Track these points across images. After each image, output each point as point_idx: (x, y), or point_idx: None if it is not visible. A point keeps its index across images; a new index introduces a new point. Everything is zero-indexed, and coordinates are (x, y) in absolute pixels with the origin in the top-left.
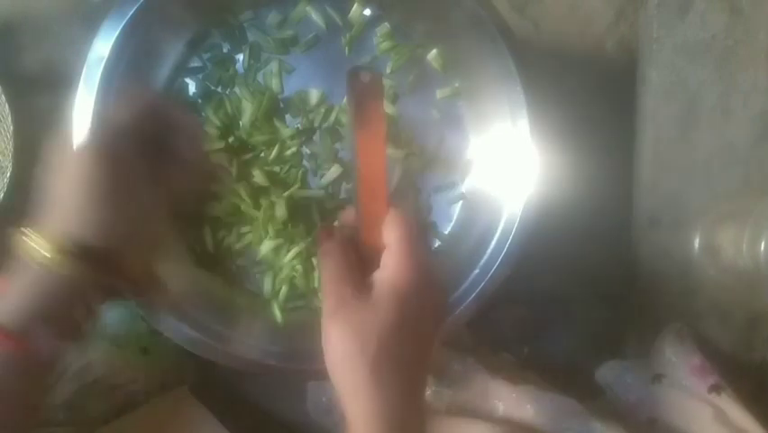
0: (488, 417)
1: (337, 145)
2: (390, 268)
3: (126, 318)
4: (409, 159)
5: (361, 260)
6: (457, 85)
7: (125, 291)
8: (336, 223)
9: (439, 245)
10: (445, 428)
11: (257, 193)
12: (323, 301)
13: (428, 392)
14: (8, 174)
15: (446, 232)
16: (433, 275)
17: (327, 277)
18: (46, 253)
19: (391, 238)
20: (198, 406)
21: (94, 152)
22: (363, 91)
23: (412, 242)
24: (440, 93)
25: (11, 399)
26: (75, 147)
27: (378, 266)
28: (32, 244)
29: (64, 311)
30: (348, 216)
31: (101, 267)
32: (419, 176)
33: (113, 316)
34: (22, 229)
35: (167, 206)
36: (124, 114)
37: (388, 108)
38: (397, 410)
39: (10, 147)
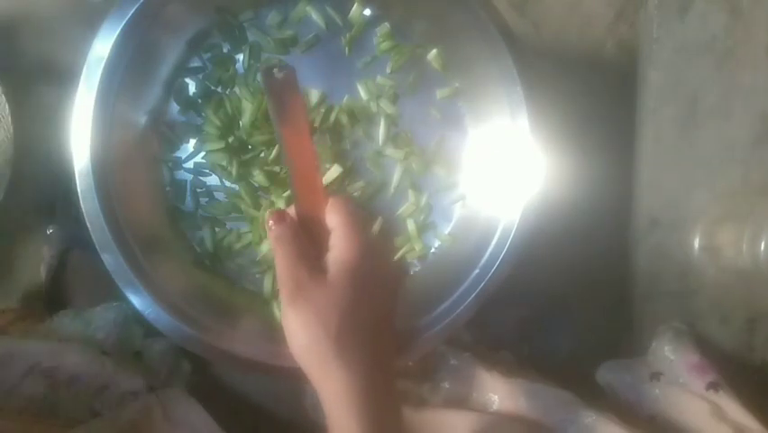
0: (482, 409)
1: (337, 145)
2: (338, 247)
3: (119, 323)
4: (409, 159)
5: (311, 243)
6: (457, 85)
7: None
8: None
9: (439, 245)
10: (438, 419)
11: (257, 193)
12: (279, 288)
13: (426, 386)
14: (8, 175)
15: (446, 232)
16: (378, 249)
17: (282, 263)
18: None
19: (335, 222)
20: (194, 405)
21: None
22: (279, 87)
23: (355, 223)
24: (440, 93)
25: None
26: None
27: (327, 249)
28: None
29: None
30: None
31: None
32: (419, 176)
33: (103, 319)
34: None
35: None
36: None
37: (389, 108)
38: (368, 385)
39: (10, 147)
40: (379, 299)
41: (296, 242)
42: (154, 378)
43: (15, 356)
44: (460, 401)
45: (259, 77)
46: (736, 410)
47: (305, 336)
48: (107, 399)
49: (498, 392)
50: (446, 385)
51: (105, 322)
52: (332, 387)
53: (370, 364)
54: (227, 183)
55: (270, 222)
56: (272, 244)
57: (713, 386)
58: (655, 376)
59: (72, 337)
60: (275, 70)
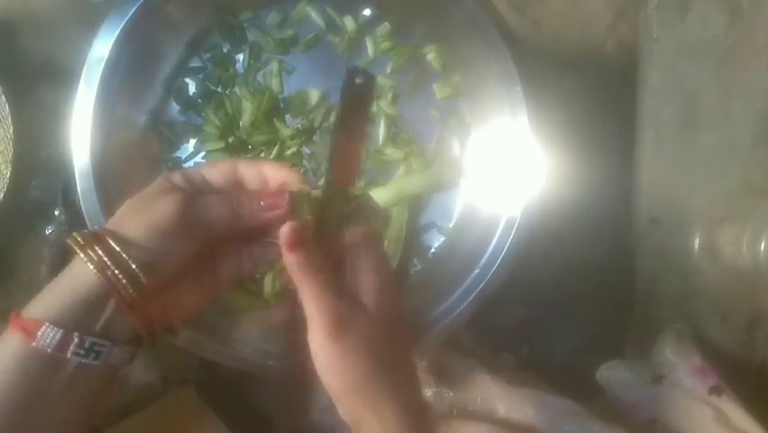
0: (488, 418)
1: None
2: (371, 273)
3: None
4: (409, 159)
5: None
6: (457, 85)
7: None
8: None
9: (439, 245)
10: (444, 429)
11: None
12: (314, 324)
13: (429, 393)
14: (8, 174)
15: (446, 232)
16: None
17: (315, 295)
18: (109, 264)
19: (362, 242)
20: (203, 407)
21: (183, 193)
22: (358, 94)
23: (382, 248)
24: (440, 93)
25: (22, 399)
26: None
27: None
28: (79, 235)
29: (82, 311)
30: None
31: (150, 297)
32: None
33: None
34: (92, 233)
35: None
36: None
37: (389, 108)
38: (417, 414)
39: (10, 147)
40: (406, 330)
41: (324, 269)
42: (168, 370)
43: None
44: (464, 409)
45: (341, 84)
46: (739, 416)
47: (355, 375)
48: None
49: (504, 401)
50: (451, 393)
51: None
52: (381, 427)
53: (415, 400)
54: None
55: (289, 249)
56: (296, 276)
57: (716, 390)
58: (658, 379)
59: None
60: (357, 75)
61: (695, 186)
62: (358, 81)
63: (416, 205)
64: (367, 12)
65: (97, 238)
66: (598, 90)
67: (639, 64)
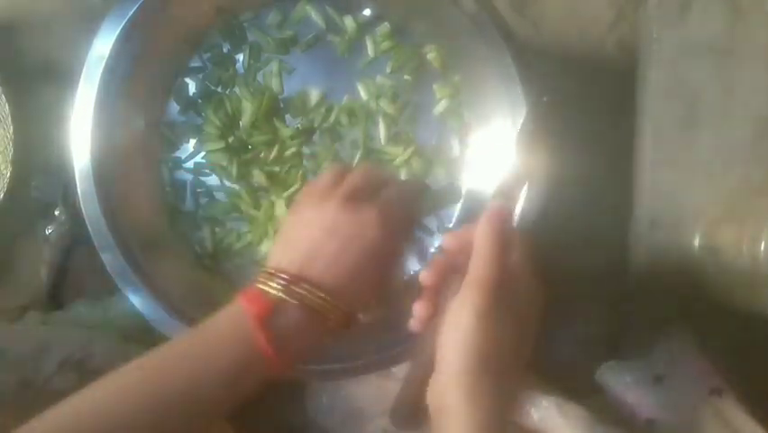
0: None
1: (337, 145)
2: (528, 280)
3: (135, 311)
4: (409, 159)
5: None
6: (457, 85)
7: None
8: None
9: (439, 246)
10: None
11: (257, 193)
12: (477, 290)
13: None
14: (8, 174)
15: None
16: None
17: (490, 260)
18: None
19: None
20: None
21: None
22: (542, 113)
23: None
24: (440, 92)
25: (234, 395)
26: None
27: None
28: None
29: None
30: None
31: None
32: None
33: (121, 307)
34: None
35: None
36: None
37: (389, 108)
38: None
39: (10, 147)
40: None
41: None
42: None
43: (53, 345)
44: None
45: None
46: (739, 417)
47: (494, 364)
48: None
49: None
50: None
51: (123, 309)
52: (480, 419)
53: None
54: (227, 183)
55: (497, 217)
56: (484, 240)
57: (716, 391)
58: (658, 379)
59: (93, 325)
60: (545, 97)
61: (695, 186)
62: (545, 99)
63: None
64: (367, 12)
65: (309, 290)
66: (598, 90)
67: (639, 64)
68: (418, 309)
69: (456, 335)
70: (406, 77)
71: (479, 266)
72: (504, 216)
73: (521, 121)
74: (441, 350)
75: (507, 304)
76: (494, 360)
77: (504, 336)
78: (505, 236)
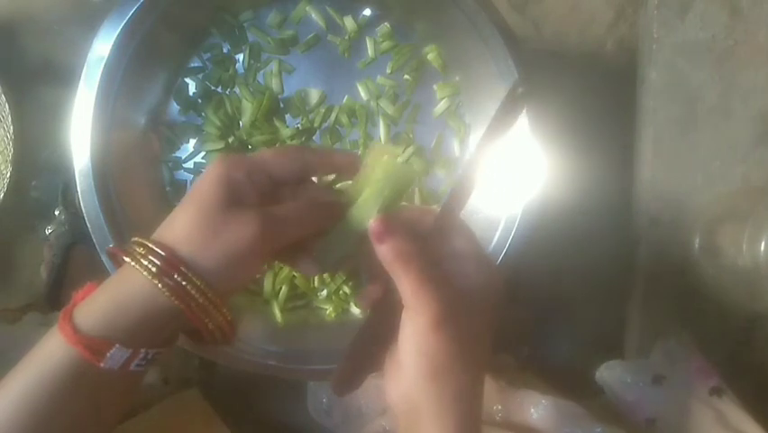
0: (488, 420)
1: (337, 145)
2: (475, 263)
3: None
4: (409, 159)
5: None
6: (457, 85)
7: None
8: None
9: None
10: None
11: None
12: (410, 312)
13: None
14: (8, 174)
15: None
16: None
17: (414, 283)
18: (155, 262)
19: (463, 244)
20: (207, 409)
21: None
22: (512, 101)
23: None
24: (440, 92)
25: (75, 409)
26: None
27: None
28: (144, 252)
29: (152, 330)
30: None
31: (197, 292)
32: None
33: None
34: (136, 239)
35: (267, 254)
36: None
37: (389, 108)
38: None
39: (10, 147)
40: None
41: (418, 254)
42: (168, 370)
43: None
44: None
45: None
46: (739, 417)
47: (445, 361)
48: None
49: (504, 403)
50: None
51: None
52: (453, 424)
53: (479, 402)
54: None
55: (379, 239)
56: (390, 266)
57: (716, 391)
58: (658, 379)
59: None
60: (520, 87)
61: (695, 185)
62: (520, 91)
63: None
64: (367, 12)
65: (171, 265)
66: (598, 90)
67: (639, 64)
68: (368, 291)
69: (407, 346)
70: (406, 77)
71: (402, 289)
72: (387, 228)
73: (493, 113)
74: (399, 353)
75: (454, 298)
76: (450, 360)
77: (459, 334)
78: (402, 244)
